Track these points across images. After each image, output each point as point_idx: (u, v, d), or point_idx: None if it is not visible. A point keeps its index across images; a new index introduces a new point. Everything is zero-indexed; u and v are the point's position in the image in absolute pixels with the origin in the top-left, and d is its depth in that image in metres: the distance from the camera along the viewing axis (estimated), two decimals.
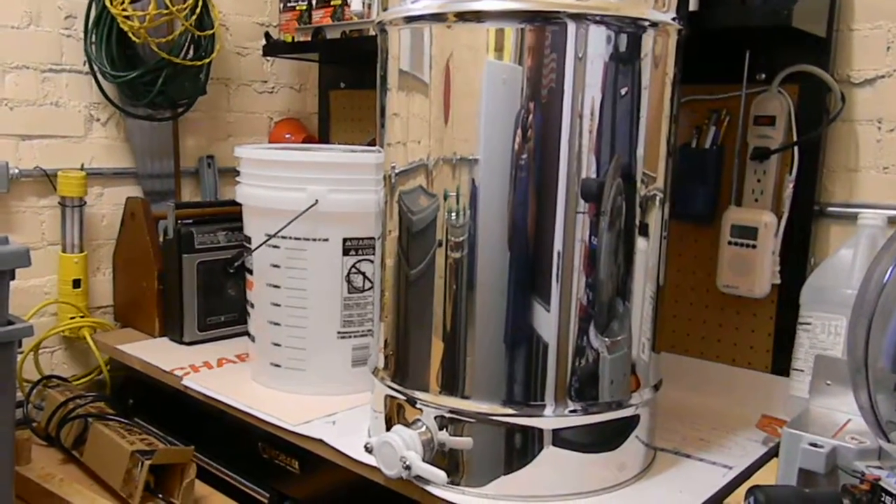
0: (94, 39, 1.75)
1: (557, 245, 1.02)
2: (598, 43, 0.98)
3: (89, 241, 1.83)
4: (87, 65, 1.78)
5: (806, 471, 0.91)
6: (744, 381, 1.43)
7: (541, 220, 1.02)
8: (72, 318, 1.78)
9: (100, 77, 1.78)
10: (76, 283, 1.78)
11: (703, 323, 1.51)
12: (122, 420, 1.49)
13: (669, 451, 1.22)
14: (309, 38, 1.86)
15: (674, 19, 1.04)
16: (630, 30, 1.00)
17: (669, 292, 1.52)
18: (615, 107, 1.01)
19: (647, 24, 1.00)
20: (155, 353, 1.64)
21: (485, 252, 1.04)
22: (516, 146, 1.00)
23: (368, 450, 1.09)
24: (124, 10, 1.69)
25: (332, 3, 1.79)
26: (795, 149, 1.35)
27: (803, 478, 0.91)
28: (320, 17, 1.82)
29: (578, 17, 0.97)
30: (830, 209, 1.38)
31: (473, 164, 1.02)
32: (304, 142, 2.12)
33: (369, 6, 1.72)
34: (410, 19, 1.04)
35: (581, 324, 1.05)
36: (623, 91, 1.01)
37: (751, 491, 0.84)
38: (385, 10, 1.10)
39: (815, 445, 0.91)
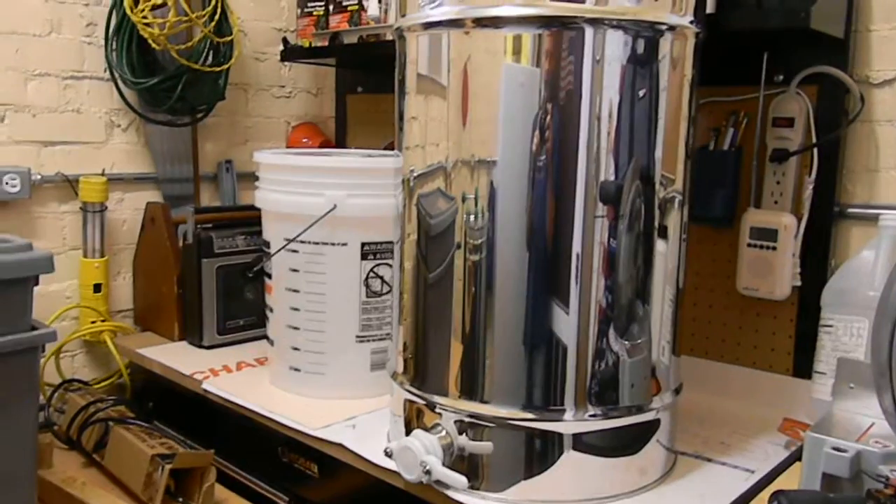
0: (114, 47, 1.76)
1: (576, 247, 1.02)
2: (616, 47, 0.99)
3: (110, 246, 1.85)
4: (107, 72, 1.80)
5: (830, 475, 0.90)
6: (765, 384, 1.42)
7: (559, 222, 1.02)
8: (92, 322, 1.80)
9: (120, 84, 1.80)
10: (97, 288, 1.80)
11: (724, 326, 1.51)
12: (143, 424, 1.50)
13: (690, 454, 1.22)
14: (326, 43, 1.87)
15: (691, 22, 1.04)
16: (647, 34, 1.00)
17: (689, 295, 1.52)
18: (633, 109, 1.01)
19: (664, 27, 1.00)
20: (174, 357, 1.66)
21: (503, 254, 1.04)
22: (534, 148, 1.00)
23: (388, 454, 1.09)
24: (144, 17, 1.70)
25: (348, 8, 1.80)
26: (815, 150, 1.34)
27: (827, 482, 0.91)
28: (337, 22, 1.83)
29: (596, 22, 0.97)
30: (851, 210, 1.37)
31: (492, 167, 1.02)
32: (321, 146, 2.13)
33: (386, 11, 1.73)
34: (428, 25, 1.05)
35: (601, 326, 1.05)
36: (641, 93, 1.01)
37: (774, 496, 0.84)
38: (403, 16, 1.10)
39: (838, 450, 0.90)
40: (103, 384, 1.84)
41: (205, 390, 1.50)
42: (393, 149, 1.20)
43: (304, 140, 2.15)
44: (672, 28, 1.01)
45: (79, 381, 1.77)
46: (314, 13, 1.87)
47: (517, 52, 1.00)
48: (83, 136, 1.80)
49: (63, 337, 1.76)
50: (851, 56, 1.35)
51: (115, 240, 1.87)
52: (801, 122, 1.35)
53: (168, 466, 1.31)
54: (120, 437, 1.44)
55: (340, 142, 2.19)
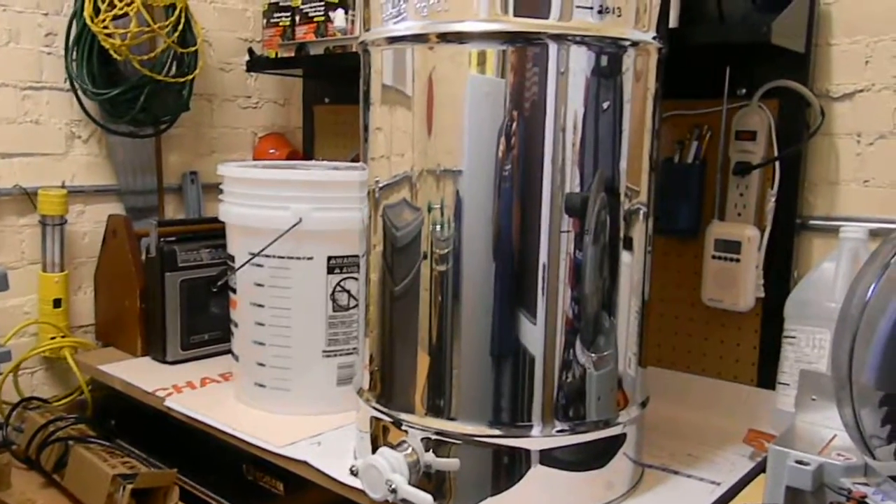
0: (74, 57, 1.73)
1: (543, 258, 1.02)
2: (579, 62, 0.99)
3: (70, 260, 1.81)
4: (67, 82, 1.77)
5: (793, 489, 0.91)
6: (730, 394, 1.43)
7: (525, 232, 1.02)
8: (52, 338, 1.76)
9: (81, 94, 1.76)
10: (57, 303, 1.76)
11: (689, 337, 1.52)
12: (104, 443, 1.47)
13: (658, 467, 1.22)
14: (292, 54, 1.86)
15: (654, 38, 1.04)
16: (610, 49, 1.00)
17: (655, 306, 1.52)
18: (597, 121, 1.02)
19: (627, 43, 1.01)
20: (137, 373, 1.63)
21: (470, 264, 1.03)
22: (500, 158, 1.00)
23: (354, 472, 1.08)
24: (105, 27, 1.67)
25: (315, 19, 1.79)
26: (776, 163, 1.36)
27: (791, 495, 0.91)
28: (303, 33, 1.82)
29: (559, 38, 0.97)
30: (812, 222, 1.39)
31: (457, 176, 1.02)
32: (288, 157, 2.11)
33: (352, 22, 1.72)
34: (392, 40, 1.04)
35: (567, 337, 1.05)
36: (605, 106, 1.02)
37: None
38: (367, 30, 1.10)
39: (801, 463, 0.90)
40: (63, 402, 1.80)
41: (168, 407, 1.47)
42: (360, 160, 1.19)
43: (272, 151, 2.13)
44: (635, 44, 1.02)
45: (38, 398, 1.73)
46: (280, 24, 1.86)
47: (482, 65, 0.99)
48: (42, 147, 1.77)
49: (22, 353, 1.72)
50: (812, 70, 1.37)
51: (76, 253, 1.84)
52: (763, 136, 1.37)
53: (129, 486, 1.28)
54: (80, 456, 1.41)
55: (308, 152, 2.17)
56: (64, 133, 1.80)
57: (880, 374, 0.87)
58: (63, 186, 1.78)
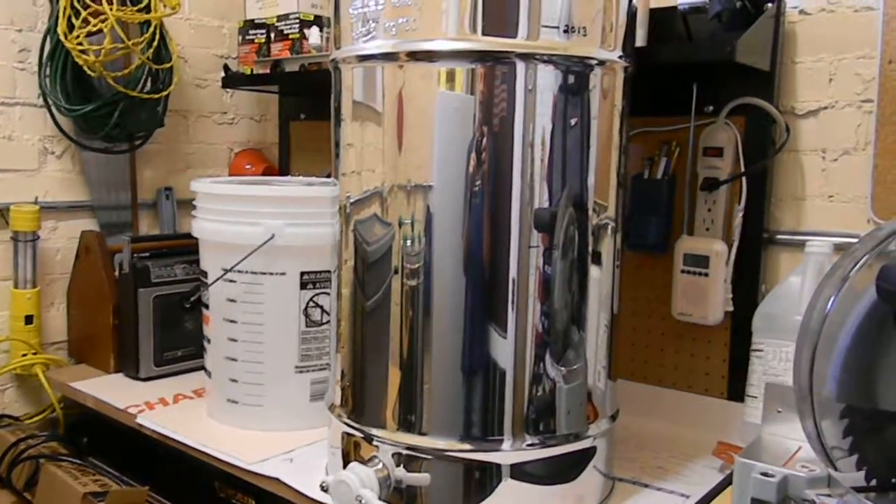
0: (48, 73, 1.73)
1: (512, 272, 1.03)
2: (547, 80, 1.00)
3: (43, 276, 1.80)
4: (41, 98, 1.76)
5: (759, 500, 0.92)
6: (700, 407, 1.45)
7: (495, 247, 1.03)
8: (24, 354, 1.74)
9: (54, 110, 1.76)
10: (28, 320, 1.74)
11: (660, 350, 1.53)
12: (75, 461, 1.46)
13: (628, 480, 1.23)
14: (268, 71, 1.87)
15: (620, 57, 1.06)
16: (577, 68, 1.02)
17: (626, 320, 1.54)
18: (565, 137, 1.03)
19: (594, 62, 1.03)
20: (109, 391, 1.61)
21: (440, 279, 1.04)
22: (470, 173, 1.01)
23: (324, 488, 1.08)
24: (79, 43, 1.67)
25: (290, 36, 1.80)
26: (743, 179, 1.38)
27: None
28: (279, 50, 1.82)
29: (527, 57, 0.99)
30: (779, 237, 1.41)
31: (428, 191, 1.03)
32: (264, 172, 2.11)
33: (327, 39, 1.73)
34: (363, 58, 1.06)
35: (537, 351, 1.06)
36: (573, 122, 1.03)
37: None
38: (338, 48, 1.11)
39: (766, 475, 0.92)
40: (35, 419, 1.78)
41: (140, 425, 1.46)
42: None
43: (248, 166, 2.13)
44: (601, 62, 1.04)
45: (9, 416, 1.71)
46: (256, 41, 1.87)
47: (451, 83, 1.01)
48: (15, 163, 1.76)
49: None
50: (777, 87, 1.39)
51: (49, 269, 1.82)
52: (731, 152, 1.39)
53: None
54: (51, 474, 1.40)
55: (284, 168, 2.18)
56: (37, 149, 1.79)
57: (840, 386, 0.88)
58: (36, 202, 1.76)
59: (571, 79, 1.02)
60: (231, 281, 1.38)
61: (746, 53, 1.23)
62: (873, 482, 0.86)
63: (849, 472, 0.89)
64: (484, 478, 1.06)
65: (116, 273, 1.71)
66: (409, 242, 1.05)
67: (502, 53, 0.98)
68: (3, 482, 1.50)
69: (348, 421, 1.13)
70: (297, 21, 1.78)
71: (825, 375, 0.89)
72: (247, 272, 1.36)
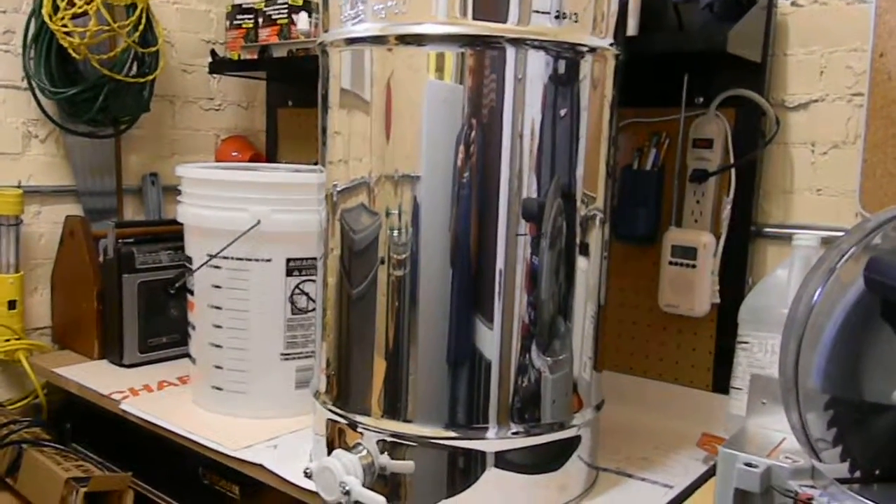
0: (32, 55, 1.70)
1: (500, 263, 1.03)
2: (537, 67, 1.00)
3: (26, 261, 1.78)
4: (25, 81, 1.74)
5: (742, 490, 0.92)
6: (685, 399, 1.45)
7: (482, 238, 1.02)
8: (7, 340, 1.72)
9: (38, 93, 1.74)
10: (11, 305, 1.72)
11: (647, 342, 1.53)
12: (58, 446, 1.45)
13: (612, 470, 1.23)
14: (255, 56, 1.85)
15: (611, 45, 1.05)
16: (568, 55, 1.01)
17: (613, 311, 1.54)
18: (554, 127, 1.03)
19: (585, 49, 1.02)
20: (93, 377, 1.60)
21: (427, 269, 1.03)
22: (458, 163, 1.01)
23: (308, 475, 1.07)
24: (64, 25, 1.65)
25: (278, 21, 1.78)
26: (732, 171, 1.38)
27: (740, 497, 0.92)
28: (267, 35, 1.81)
29: (517, 42, 0.98)
30: (767, 230, 1.41)
31: (415, 182, 1.02)
32: (251, 159, 2.10)
33: (316, 25, 1.72)
34: (351, 41, 1.04)
35: (523, 342, 1.05)
36: (562, 112, 1.03)
37: None
38: (326, 31, 1.10)
39: (750, 465, 0.92)
40: (18, 405, 1.76)
41: (123, 411, 1.45)
42: None
43: (234, 153, 2.12)
44: (592, 50, 1.03)
45: None
46: (243, 26, 1.85)
47: (440, 69, 1.00)
48: None
49: None
50: (768, 80, 1.39)
51: (32, 254, 1.80)
52: (720, 144, 1.39)
53: (83, 490, 1.27)
54: (34, 460, 1.39)
55: (272, 155, 2.16)
56: (21, 132, 1.77)
57: (826, 378, 0.88)
58: (19, 186, 1.74)
59: (562, 66, 1.01)
60: (216, 267, 1.37)
61: (738, 44, 1.23)
62: (857, 474, 0.87)
63: (833, 463, 0.89)
64: (468, 465, 1.05)
65: (101, 259, 1.69)
66: (395, 232, 1.04)
67: (492, 38, 0.97)
68: None
69: (333, 408, 1.13)
70: (286, 6, 1.76)
71: (811, 367, 0.89)
72: (232, 258, 1.35)
